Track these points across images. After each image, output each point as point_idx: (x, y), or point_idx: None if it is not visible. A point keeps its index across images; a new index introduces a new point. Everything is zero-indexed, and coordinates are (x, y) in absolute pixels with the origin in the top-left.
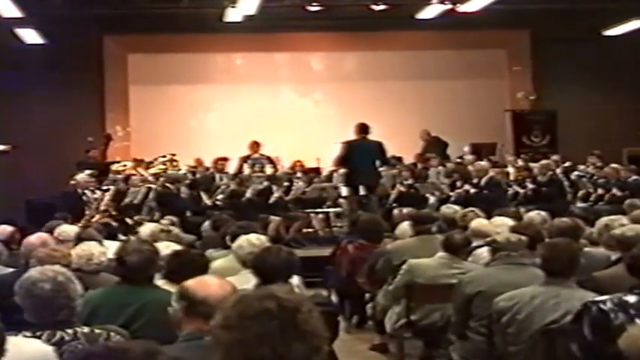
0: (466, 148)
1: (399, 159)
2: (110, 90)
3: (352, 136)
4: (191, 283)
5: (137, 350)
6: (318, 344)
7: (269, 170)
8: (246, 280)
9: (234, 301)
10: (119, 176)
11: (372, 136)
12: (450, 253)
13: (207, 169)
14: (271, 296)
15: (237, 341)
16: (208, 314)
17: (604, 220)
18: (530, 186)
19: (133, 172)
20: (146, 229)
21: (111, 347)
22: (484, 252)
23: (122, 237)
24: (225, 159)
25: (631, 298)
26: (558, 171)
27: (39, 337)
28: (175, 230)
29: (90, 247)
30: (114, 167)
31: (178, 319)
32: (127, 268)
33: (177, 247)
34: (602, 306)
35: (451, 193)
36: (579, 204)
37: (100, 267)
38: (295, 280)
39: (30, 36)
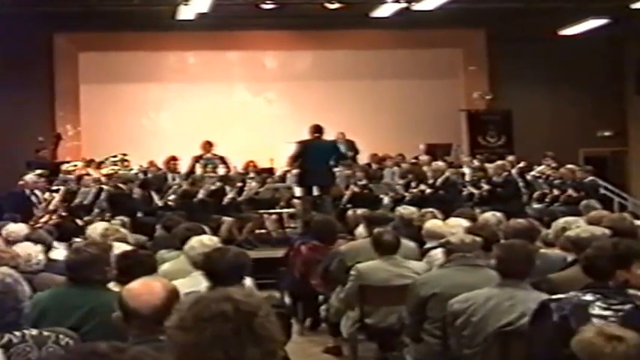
0: (421, 147)
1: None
2: (60, 89)
3: (306, 136)
4: (125, 292)
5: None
6: (272, 349)
7: (222, 170)
8: (198, 282)
9: (190, 302)
10: (70, 176)
11: (326, 136)
12: (383, 254)
13: (159, 169)
14: (228, 299)
15: (192, 343)
16: (142, 324)
17: (560, 221)
18: (485, 187)
19: (84, 172)
20: (95, 229)
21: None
22: (438, 253)
23: (75, 239)
24: (176, 158)
25: (587, 297)
26: (514, 172)
27: None
28: (124, 231)
29: (25, 248)
30: (64, 167)
31: (121, 324)
32: (73, 270)
33: (128, 247)
34: (560, 310)
35: (406, 194)
36: (535, 205)
37: (40, 267)
38: (247, 281)
39: None
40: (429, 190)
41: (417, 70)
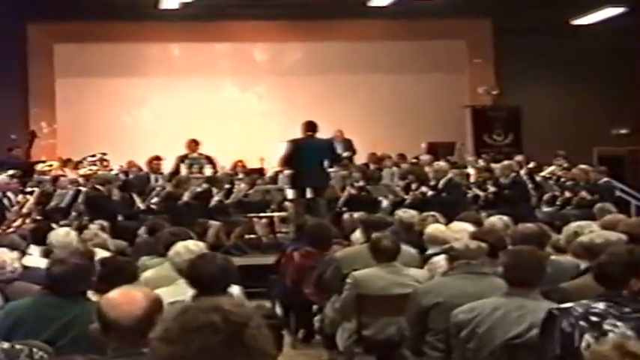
0: (423, 146)
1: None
2: (34, 83)
3: (298, 134)
4: (104, 302)
5: None
6: None
7: (208, 171)
8: (183, 291)
9: (176, 311)
10: (45, 177)
11: (320, 134)
12: (381, 261)
13: (141, 169)
14: (217, 309)
15: (177, 355)
16: (122, 336)
17: (572, 226)
18: (491, 189)
19: (60, 172)
20: (57, 235)
21: None
22: (441, 260)
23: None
24: (159, 158)
25: (598, 305)
26: (522, 172)
27: None
28: (103, 235)
29: (0, 255)
30: (39, 167)
31: (100, 336)
32: (51, 280)
33: (107, 253)
34: (570, 319)
35: (406, 196)
36: (545, 208)
37: (15, 275)
38: (235, 290)
39: None
40: (430, 193)
41: (417, 63)
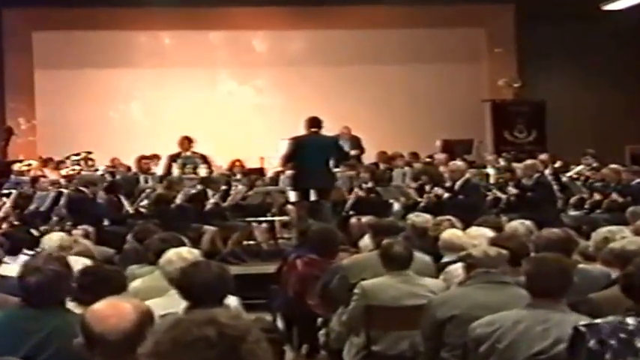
0: (437, 143)
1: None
2: (11, 75)
3: (301, 130)
4: (89, 314)
5: None
6: None
7: (203, 171)
8: (176, 302)
9: (168, 325)
10: (23, 178)
11: (325, 131)
12: (392, 270)
13: (129, 169)
14: (212, 322)
15: None
16: (109, 351)
17: (602, 231)
18: (513, 190)
19: (40, 173)
20: (51, 240)
21: None
22: (458, 269)
23: (27, 251)
24: (150, 157)
25: (629, 321)
26: (547, 172)
27: None
28: (85, 242)
29: None
30: (16, 167)
31: (84, 352)
32: (27, 290)
33: (89, 262)
34: (599, 336)
35: (419, 199)
36: (572, 212)
37: None
38: (232, 301)
39: None
40: (446, 195)
41: (432, 53)
